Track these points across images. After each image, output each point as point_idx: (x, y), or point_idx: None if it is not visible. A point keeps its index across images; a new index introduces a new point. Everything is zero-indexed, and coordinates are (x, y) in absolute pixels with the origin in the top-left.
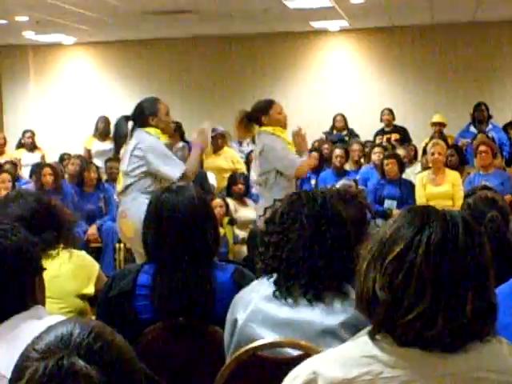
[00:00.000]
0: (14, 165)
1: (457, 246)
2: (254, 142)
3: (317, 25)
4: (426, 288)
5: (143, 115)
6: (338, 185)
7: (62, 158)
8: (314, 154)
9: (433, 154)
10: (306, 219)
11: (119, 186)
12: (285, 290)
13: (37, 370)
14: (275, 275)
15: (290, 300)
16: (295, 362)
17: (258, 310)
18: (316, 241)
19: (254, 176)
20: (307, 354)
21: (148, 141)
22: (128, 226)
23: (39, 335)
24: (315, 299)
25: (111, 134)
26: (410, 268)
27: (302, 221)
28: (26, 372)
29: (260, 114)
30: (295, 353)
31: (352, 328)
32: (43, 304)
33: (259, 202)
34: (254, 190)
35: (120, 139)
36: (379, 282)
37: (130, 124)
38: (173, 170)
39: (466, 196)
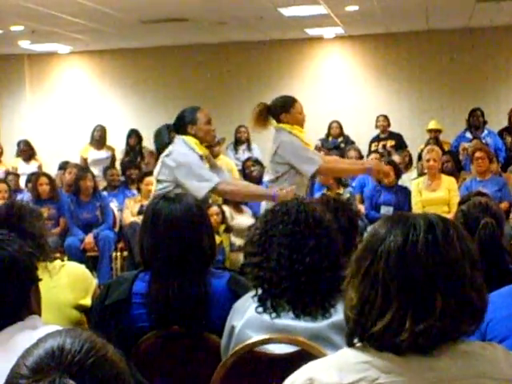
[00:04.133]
0: (16, 175)
1: (416, 249)
2: (249, 149)
3: (312, 32)
4: (391, 295)
5: (183, 123)
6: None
7: (62, 167)
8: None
9: (428, 160)
10: (282, 237)
11: (153, 192)
12: (270, 307)
13: None
14: (260, 291)
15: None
16: (292, 358)
17: (253, 317)
18: (295, 258)
19: (266, 177)
20: (303, 350)
21: (180, 152)
22: None
23: (29, 349)
24: (302, 314)
25: (107, 143)
26: (375, 280)
27: (278, 239)
28: None
29: (281, 111)
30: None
31: (340, 330)
32: (39, 314)
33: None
34: None
35: (161, 148)
36: (353, 300)
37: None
38: (203, 184)
39: (461, 202)
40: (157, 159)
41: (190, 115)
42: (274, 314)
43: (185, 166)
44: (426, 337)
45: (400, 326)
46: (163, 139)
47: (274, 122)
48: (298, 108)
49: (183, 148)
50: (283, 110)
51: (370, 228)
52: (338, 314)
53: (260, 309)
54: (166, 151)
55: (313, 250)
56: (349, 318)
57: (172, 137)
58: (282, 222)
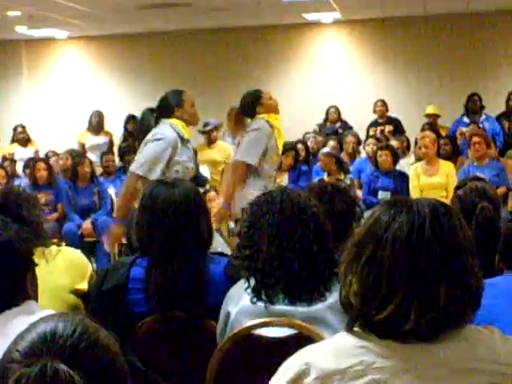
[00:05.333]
0: (13, 162)
1: (423, 237)
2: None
3: (309, 17)
4: (396, 284)
5: (169, 106)
6: None
7: (47, 156)
8: None
9: (420, 147)
10: (268, 227)
11: None
12: (265, 297)
13: (20, 379)
14: (253, 282)
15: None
16: (289, 341)
17: (248, 304)
18: (285, 246)
19: None
20: (301, 333)
21: (161, 134)
22: None
23: (21, 334)
24: (298, 300)
25: (105, 128)
26: (380, 267)
27: (266, 230)
28: (9, 379)
29: (253, 106)
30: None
31: (336, 311)
32: (36, 300)
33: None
34: None
35: (145, 132)
36: (354, 285)
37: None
38: (142, 168)
39: (457, 187)
40: (140, 143)
41: (175, 98)
42: (268, 303)
43: (156, 145)
44: (430, 325)
45: (405, 315)
46: (149, 123)
47: (249, 120)
48: (267, 95)
49: (167, 131)
50: (255, 103)
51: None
52: (333, 297)
53: (255, 299)
54: (150, 133)
55: (301, 236)
56: (350, 304)
57: (157, 121)
58: (267, 212)
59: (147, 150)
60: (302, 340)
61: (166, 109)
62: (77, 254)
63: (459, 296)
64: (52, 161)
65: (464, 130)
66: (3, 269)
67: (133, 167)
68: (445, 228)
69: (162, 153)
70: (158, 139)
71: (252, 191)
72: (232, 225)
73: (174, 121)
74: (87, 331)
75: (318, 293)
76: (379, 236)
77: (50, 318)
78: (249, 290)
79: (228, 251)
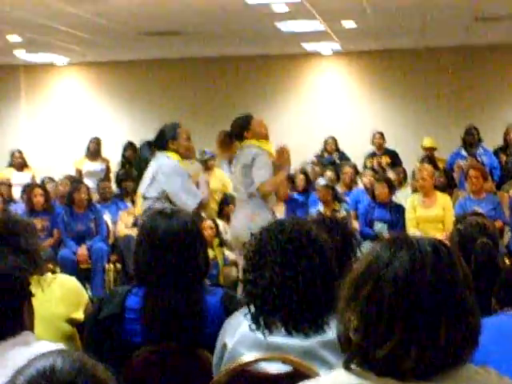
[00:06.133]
0: (9, 186)
1: (424, 275)
2: None
3: (309, 47)
4: (396, 323)
5: (164, 139)
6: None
7: (43, 182)
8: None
9: (417, 180)
10: (274, 255)
11: (137, 209)
12: (263, 325)
13: None
14: (252, 308)
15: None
16: (284, 377)
17: (246, 334)
18: (287, 276)
19: (237, 190)
20: (296, 369)
21: (170, 166)
22: None
23: (20, 369)
24: (295, 331)
25: (102, 155)
26: (380, 306)
27: (271, 257)
28: None
29: (242, 130)
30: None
31: (332, 348)
32: (32, 329)
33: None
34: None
35: (143, 164)
36: (353, 322)
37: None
38: (192, 200)
39: (457, 222)
40: (139, 176)
41: (170, 131)
42: (266, 332)
43: (176, 178)
44: (430, 364)
45: (404, 353)
46: (144, 155)
47: (238, 144)
48: (257, 122)
49: (170, 162)
50: (244, 128)
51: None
52: (331, 332)
53: (253, 326)
54: (153, 167)
55: (305, 269)
56: (348, 341)
57: (152, 153)
58: (276, 240)
59: (174, 185)
60: (297, 377)
61: (161, 142)
62: (72, 282)
63: (459, 335)
64: (49, 187)
65: (461, 163)
66: (1, 299)
67: (184, 203)
68: (446, 266)
69: (186, 179)
70: (172, 170)
71: (259, 212)
72: (228, 253)
73: (170, 154)
74: (85, 367)
75: (316, 326)
76: (379, 273)
77: (49, 354)
78: (248, 316)
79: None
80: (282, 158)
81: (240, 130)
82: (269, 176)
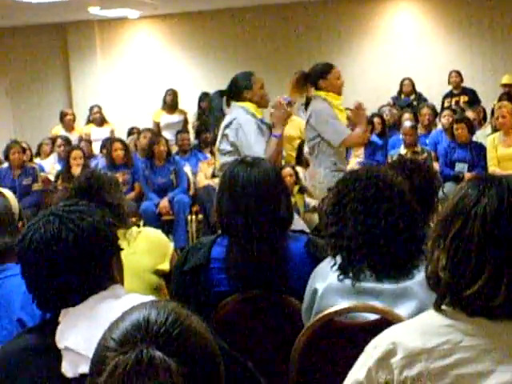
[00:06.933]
0: (89, 142)
1: None
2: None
3: None
4: (486, 259)
5: (238, 89)
6: None
7: (131, 132)
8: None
9: (497, 118)
10: (354, 204)
11: (217, 161)
12: (351, 274)
13: (116, 366)
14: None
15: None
16: (372, 326)
17: (336, 281)
18: (370, 223)
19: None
20: (384, 318)
21: (243, 118)
22: None
23: (115, 322)
24: (385, 277)
25: (179, 106)
26: (469, 242)
27: (352, 207)
28: (106, 367)
29: (318, 77)
30: (372, 317)
31: (427, 288)
32: (122, 283)
33: (309, 169)
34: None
35: (216, 114)
36: (442, 260)
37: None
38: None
39: None
40: (214, 126)
41: (244, 80)
42: (355, 281)
43: (249, 130)
44: None
45: (494, 291)
46: (217, 106)
47: (312, 89)
48: (336, 73)
49: (242, 116)
50: (320, 76)
51: (451, 185)
52: (422, 275)
53: (341, 277)
54: (226, 121)
55: (387, 212)
56: (438, 280)
57: (227, 103)
58: (353, 190)
59: (243, 138)
60: (385, 324)
61: (235, 91)
62: (157, 234)
63: None
64: (128, 140)
65: None
66: (90, 254)
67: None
68: None
69: (256, 134)
70: (240, 124)
71: (319, 169)
72: (308, 200)
73: (245, 104)
74: (180, 318)
75: (406, 270)
76: (468, 210)
77: (142, 305)
78: (335, 268)
79: (303, 226)
80: (357, 115)
81: (317, 76)
82: (340, 129)
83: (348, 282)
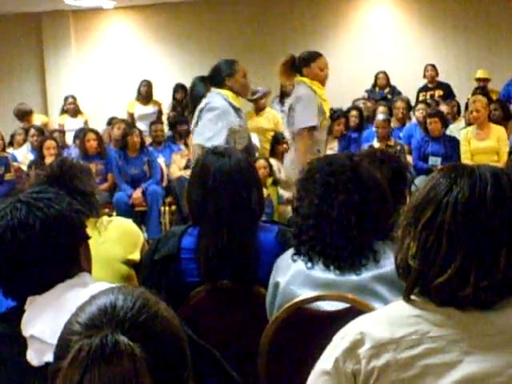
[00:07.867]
0: (62, 132)
1: (485, 202)
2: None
3: None
4: (456, 248)
5: (220, 75)
6: None
7: (110, 122)
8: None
9: (471, 111)
10: (315, 186)
11: (190, 152)
12: (305, 257)
13: (80, 350)
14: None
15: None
16: (341, 315)
17: (297, 273)
18: (323, 209)
19: (285, 131)
20: (353, 307)
21: (214, 104)
22: None
23: (82, 306)
24: (333, 266)
25: (154, 97)
26: (440, 231)
27: (312, 187)
28: (70, 350)
29: (302, 65)
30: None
31: (386, 282)
32: (89, 272)
33: (289, 154)
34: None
35: (195, 101)
36: (412, 249)
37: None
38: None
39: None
40: (191, 112)
41: (227, 68)
42: (309, 264)
43: (211, 116)
44: (489, 292)
45: (463, 280)
46: (199, 91)
47: (298, 76)
48: (321, 63)
49: (219, 100)
50: (305, 63)
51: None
52: (382, 268)
53: (295, 257)
54: (202, 104)
55: (342, 204)
56: (407, 268)
57: (207, 89)
58: (321, 172)
59: (206, 121)
60: (354, 313)
61: (217, 78)
62: (128, 224)
63: None
64: (101, 130)
65: None
66: (57, 242)
67: (197, 139)
68: (506, 193)
69: (221, 121)
70: (213, 109)
71: (296, 155)
72: (282, 192)
73: (224, 91)
74: (147, 304)
75: (364, 261)
76: (439, 199)
77: (110, 290)
78: (296, 257)
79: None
80: None
81: (302, 63)
82: (311, 120)
83: (310, 273)
